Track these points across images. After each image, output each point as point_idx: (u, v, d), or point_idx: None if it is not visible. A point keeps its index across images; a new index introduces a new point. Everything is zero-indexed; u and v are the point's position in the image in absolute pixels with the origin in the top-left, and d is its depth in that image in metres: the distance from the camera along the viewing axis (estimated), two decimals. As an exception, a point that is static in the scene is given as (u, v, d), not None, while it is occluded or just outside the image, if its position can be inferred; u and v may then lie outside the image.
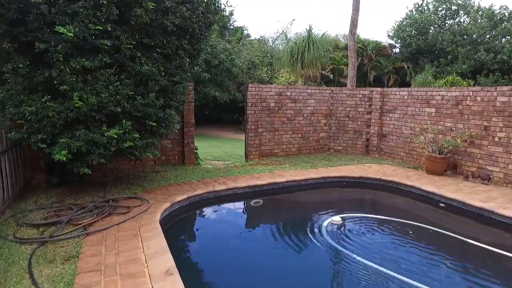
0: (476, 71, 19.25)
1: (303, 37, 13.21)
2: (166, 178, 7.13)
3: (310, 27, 12.83)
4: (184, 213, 5.77)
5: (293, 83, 20.60)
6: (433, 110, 8.26)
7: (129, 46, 5.15)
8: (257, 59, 23.58)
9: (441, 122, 8.07)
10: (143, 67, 5.31)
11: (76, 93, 4.76)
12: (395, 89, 9.30)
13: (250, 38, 27.62)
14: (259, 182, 6.82)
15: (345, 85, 20.85)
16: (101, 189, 6.17)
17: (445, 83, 12.09)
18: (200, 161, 9.11)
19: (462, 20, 21.68)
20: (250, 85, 9.09)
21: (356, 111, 10.11)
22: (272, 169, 8.25)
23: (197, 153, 8.97)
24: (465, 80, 18.62)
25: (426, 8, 22.35)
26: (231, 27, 23.80)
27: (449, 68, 19.76)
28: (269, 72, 22.50)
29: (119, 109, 5.14)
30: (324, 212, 6.10)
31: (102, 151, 5.18)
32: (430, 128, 7.95)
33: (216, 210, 6.23)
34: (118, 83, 5.17)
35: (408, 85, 20.68)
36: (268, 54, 24.61)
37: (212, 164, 10.20)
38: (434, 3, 21.88)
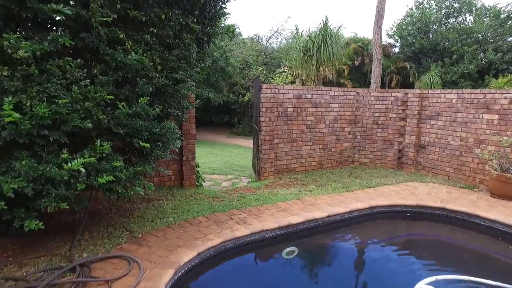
0: (483, 72, 17.73)
1: (319, 30, 11.19)
2: (162, 213, 5.03)
3: (327, 18, 10.86)
4: (194, 280, 3.69)
5: (290, 83, 18.68)
6: (496, 117, 6.41)
7: (105, 19, 3.03)
8: (251, 58, 21.55)
9: (508, 132, 6.23)
10: (129, 56, 3.21)
11: (10, 99, 2.62)
12: (438, 91, 7.43)
13: (242, 37, 25.51)
14: (292, 220, 4.78)
15: (346, 86, 19.05)
16: (66, 238, 4.03)
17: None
18: (202, 181, 7.01)
19: (465, 18, 20.17)
20: (264, 86, 7.04)
21: (386, 117, 8.20)
22: (297, 193, 6.24)
23: (198, 172, 6.87)
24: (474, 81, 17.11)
25: (428, 6, 20.76)
26: (222, 24, 21.67)
27: (454, 68, 18.18)
28: (264, 72, 20.47)
29: (90, 124, 3.03)
30: (397, 269, 4.13)
31: (62, 192, 3.07)
32: (506, 141, 6.06)
33: (238, 271, 4.14)
34: (88, 81, 3.06)
35: (411, 86, 19.03)
36: (262, 53, 22.58)
37: (213, 180, 8.18)
38: (436, 0, 20.30)
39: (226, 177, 8.83)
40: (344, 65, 19.17)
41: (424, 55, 19.84)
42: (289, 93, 7.40)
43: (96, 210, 5.00)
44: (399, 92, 8.08)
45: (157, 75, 3.63)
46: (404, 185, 6.86)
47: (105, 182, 3.22)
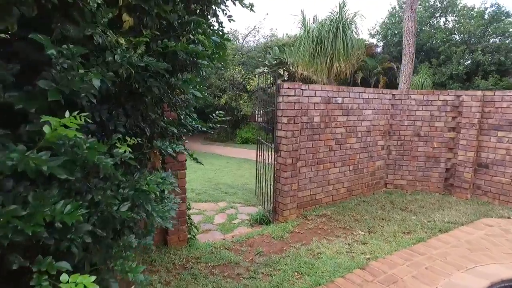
0: (471, 73, 16.40)
1: (333, 17, 8.77)
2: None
3: (343, 2, 8.50)
4: None
5: (271, 85, 16.31)
6: None
7: None
8: (227, 57, 18.95)
9: None
10: None
11: None
12: (511, 92, 5.35)
13: (215, 35, 22.75)
14: None
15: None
16: None
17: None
18: (196, 230, 4.42)
19: (446, 19, 18.84)
20: (285, 86, 4.61)
21: (431, 127, 6.06)
22: (349, 251, 3.86)
23: (190, 217, 4.29)
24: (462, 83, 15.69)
25: (411, 5, 19.24)
26: (194, 21, 18.80)
27: (443, 69, 16.69)
28: (242, 72, 17.95)
29: None
30: None
31: None
32: None
33: None
34: None
35: (397, 88, 17.32)
36: (239, 52, 20.02)
37: (201, 211, 5.96)
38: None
39: (216, 205, 6.41)
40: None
41: (410, 56, 18.22)
42: (315, 96, 5.01)
43: None
44: (448, 95, 5.95)
45: (120, 40, 1.07)
46: (483, 224, 4.70)
47: None
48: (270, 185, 5.16)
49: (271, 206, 5.11)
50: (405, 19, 8.69)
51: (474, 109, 5.63)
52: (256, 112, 14.49)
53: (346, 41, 8.64)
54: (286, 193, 4.79)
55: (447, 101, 5.93)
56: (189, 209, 4.35)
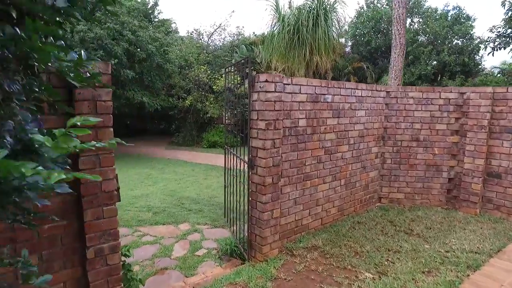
0: (438, 73, 16.07)
1: (314, 3, 7.45)
2: None
3: None
4: None
5: (239, 85, 14.97)
6: None
7: None
8: (192, 56, 17.38)
9: None
10: None
11: None
12: (527, 88, 4.40)
13: (180, 34, 21.08)
14: None
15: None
16: None
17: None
18: (141, 284, 2.98)
19: (415, 20, 18.48)
20: (263, 78, 3.31)
21: (431, 130, 5.02)
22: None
23: (129, 269, 2.85)
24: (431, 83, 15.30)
25: (379, 6, 18.68)
26: (156, 19, 17.05)
27: (412, 69, 16.20)
28: (208, 71, 16.47)
29: None
30: None
31: None
32: None
33: None
34: None
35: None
36: (204, 51, 18.48)
37: (157, 239, 4.81)
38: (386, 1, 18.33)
39: (177, 229, 5.05)
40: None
41: (380, 55, 17.69)
42: (300, 93, 3.75)
43: None
44: (451, 92, 4.93)
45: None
46: (513, 252, 3.66)
47: None
48: (244, 210, 3.84)
49: (245, 236, 3.78)
50: (394, 5, 7.72)
51: (483, 108, 4.64)
52: (224, 114, 13.14)
53: (327, 30, 7.48)
54: (265, 223, 3.48)
55: (449, 99, 4.91)
56: (129, 256, 2.91)
